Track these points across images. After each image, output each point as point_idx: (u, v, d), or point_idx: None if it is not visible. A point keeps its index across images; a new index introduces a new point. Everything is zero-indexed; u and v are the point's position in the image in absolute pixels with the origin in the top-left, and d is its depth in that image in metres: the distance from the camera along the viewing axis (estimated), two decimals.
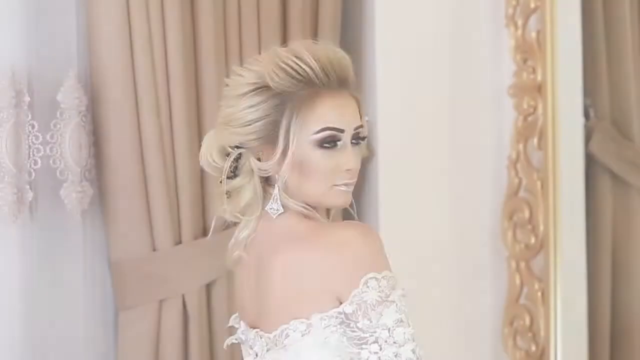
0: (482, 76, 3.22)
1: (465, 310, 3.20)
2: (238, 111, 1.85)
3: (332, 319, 1.79)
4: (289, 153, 1.83)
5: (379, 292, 1.77)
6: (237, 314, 2.01)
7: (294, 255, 1.83)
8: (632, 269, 3.33)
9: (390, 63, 3.06)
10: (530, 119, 3.17)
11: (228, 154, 1.88)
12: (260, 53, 2.80)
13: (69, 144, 2.53)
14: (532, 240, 3.16)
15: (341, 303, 1.79)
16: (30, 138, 2.47)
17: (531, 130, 3.17)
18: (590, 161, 3.26)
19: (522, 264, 3.19)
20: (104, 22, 2.57)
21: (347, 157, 1.86)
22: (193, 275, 2.71)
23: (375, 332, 1.77)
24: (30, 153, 2.47)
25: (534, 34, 3.15)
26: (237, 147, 1.87)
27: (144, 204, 2.63)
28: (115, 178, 2.61)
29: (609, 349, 3.30)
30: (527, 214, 3.16)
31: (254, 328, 1.89)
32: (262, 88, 1.84)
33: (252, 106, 1.84)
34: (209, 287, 2.76)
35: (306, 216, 1.88)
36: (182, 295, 2.70)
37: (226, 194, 1.87)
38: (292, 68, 1.83)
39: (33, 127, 2.48)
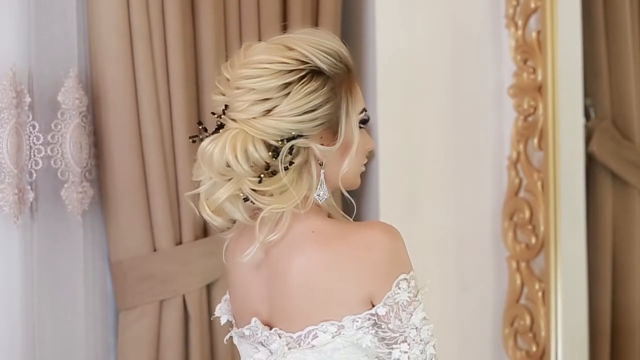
0: (483, 76, 3.22)
1: (465, 310, 3.20)
2: (296, 99, 1.82)
3: (365, 321, 1.82)
4: (355, 135, 1.86)
5: (409, 292, 1.83)
6: (221, 305, 2.03)
7: (322, 256, 1.83)
8: (633, 269, 3.33)
9: (391, 63, 3.06)
10: (530, 119, 3.18)
11: (275, 148, 1.82)
12: None
13: (69, 144, 2.53)
14: (533, 240, 3.16)
15: (373, 304, 1.82)
16: (31, 139, 2.47)
17: (531, 130, 3.17)
18: (590, 161, 3.26)
19: (523, 264, 3.19)
20: (104, 23, 2.57)
21: (369, 137, 1.93)
22: (193, 276, 2.71)
23: (404, 331, 1.82)
24: (31, 154, 2.47)
25: (534, 34, 3.15)
26: (296, 136, 1.82)
27: (144, 205, 2.63)
28: (115, 178, 2.61)
29: (609, 349, 3.30)
30: (527, 214, 3.17)
31: (268, 326, 1.89)
32: (311, 73, 1.83)
33: (313, 91, 1.82)
34: (209, 287, 2.76)
35: (325, 212, 1.89)
36: (183, 296, 2.70)
37: (256, 191, 1.82)
38: (335, 52, 1.86)
39: (34, 127, 2.47)
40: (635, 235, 3.34)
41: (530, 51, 3.15)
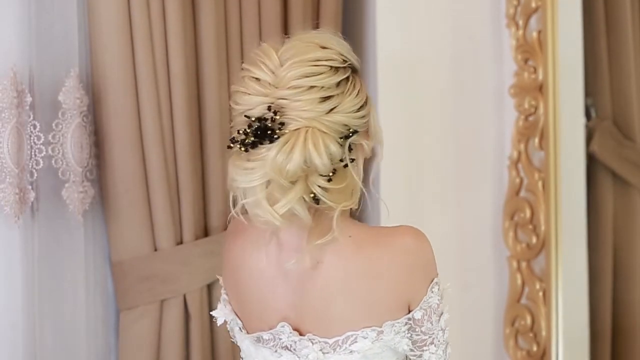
0: (483, 76, 3.22)
1: (466, 310, 3.20)
2: (353, 97, 1.82)
3: (402, 325, 1.85)
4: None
5: (438, 295, 1.87)
6: (221, 306, 1.99)
7: (362, 261, 1.83)
8: (634, 269, 3.33)
9: (391, 63, 3.06)
10: (531, 118, 3.17)
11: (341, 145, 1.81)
12: None
13: (70, 144, 2.52)
14: (534, 240, 3.16)
15: (409, 309, 1.85)
16: (32, 138, 2.47)
17: (532, 130, 3.16)
18: (591, 161, 3.26)
19: (524, 264, 3.19)
20: (105, 22, 2.57)
21: None
22: (194, 275, 2.70)
23: (433, 333, 1.86)
24: (32, 153, 2.47)
25: (535, 34, 3.15)
26: (353, 133, 1.82)
27: (145, 204, 2.63)
28: (116, 178, 2.61)
29: (610, 348, 3.30)
30: (528, 213, 3.16)
31: (297, 331, 1.87)
32: (351, 70, 1.85)
33: (360, 88, 1.84)
34: (210, 287, 2.75)
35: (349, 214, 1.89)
36: (184, 295, 2.70)
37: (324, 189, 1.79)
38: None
39: (35, 127, 2.47)
40: (636, 235, 3.33)
41: (531, 51, 3.15)
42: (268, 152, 1.76)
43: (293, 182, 1.77)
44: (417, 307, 1.85)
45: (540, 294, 3.15)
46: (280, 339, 1.88)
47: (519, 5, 3.18)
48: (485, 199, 3.23)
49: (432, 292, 1.86)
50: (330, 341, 1.84)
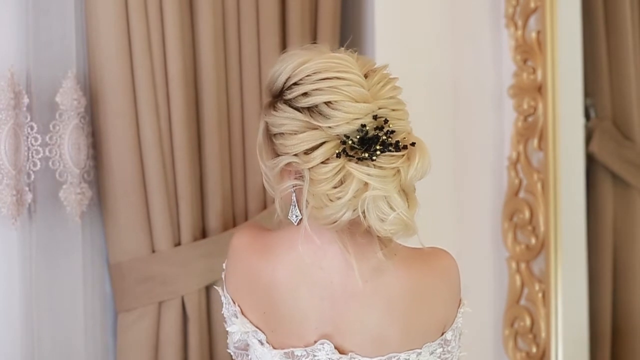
0: (482, 77, 3.22)
1: (465, 311, 3.19)
2: None
3: (437, 347, 1.89)
4: None
5: (461, 316, 1.93)
6: (239, 321, 1.94)
7: (409, 282, 1.84)
8: (633, 270, 3.33)
9: (390, 63, 3.05)
10: (530, 119, 3.17)
11: None
12: (259, 54, 2.82)
13: (68, 145, 2.52)
14: (533, 241, 3.16)
15: (443, 330, 1.90)
16: (29, 140, 2.47)
17: (531, 130, 3.16)
18: (591, 161, 3.26)
19: (523, 265, 3.18)
20: (103, 23, 2.57)
21: None
22: (192, 277, 2.70)
23: (453, 351, 1.92)
24: (29, 155, 2.47)
25: (534, 34, 3.14)
26: None
27: (143, 206, 2.63)
28: (114, 180, 2.60)
29: (610, 350, 3.30)
30: (527, 214, 3.16)
31: (336, 349, 1.85)
32: None
33: None
34: (208, 288, 2.75)
35: None
36: (182, 297, 2.69)
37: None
38: None
39: (32, 128, 2.47)
40: (636, 236, 3.33)
41: (530, 51, 3.15)
42: (397, 160, 1.77)
43: (404, 193, 1.79)
44: (450, 328, 1.90)
45: (540, 295, 3.14)
46: (316, 355, 1.85)
47: (518, 5, 3.18)
48: (484, 200, 3.23)
49: (460, 312, 1.92)
50: None
